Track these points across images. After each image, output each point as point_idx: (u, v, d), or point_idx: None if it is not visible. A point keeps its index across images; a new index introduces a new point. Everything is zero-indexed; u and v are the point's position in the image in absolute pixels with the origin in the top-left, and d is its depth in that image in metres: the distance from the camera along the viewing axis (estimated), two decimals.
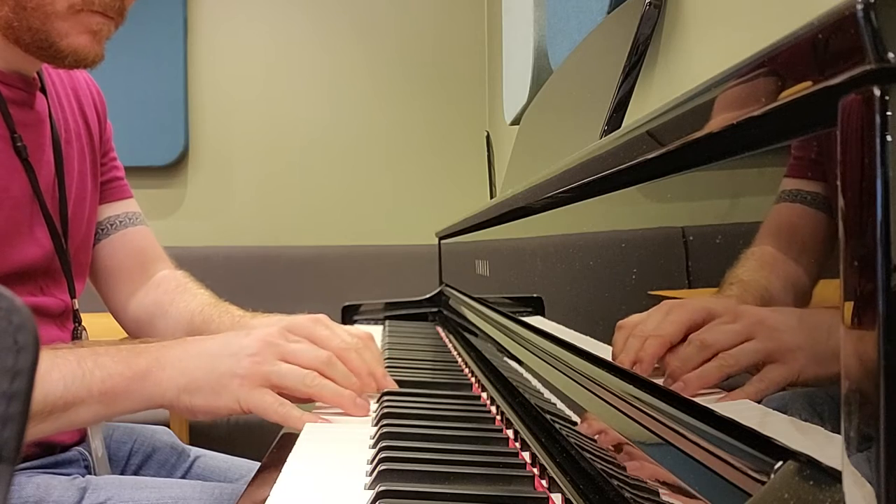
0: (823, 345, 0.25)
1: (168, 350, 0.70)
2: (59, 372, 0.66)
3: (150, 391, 0.68)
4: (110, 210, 1.00)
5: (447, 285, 1.57)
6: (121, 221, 1.00)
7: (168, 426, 1.08)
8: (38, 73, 0.86)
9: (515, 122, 1.86)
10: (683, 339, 0.36)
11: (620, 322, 0.45)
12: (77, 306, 0.90)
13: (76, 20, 0.76)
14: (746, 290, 0.31)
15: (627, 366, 0.44)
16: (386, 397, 0.73)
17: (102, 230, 0.99)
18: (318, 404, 0.72)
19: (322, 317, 0.77)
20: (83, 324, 0.91)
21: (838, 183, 0.23)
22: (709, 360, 0.34)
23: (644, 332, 0.42)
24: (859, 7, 0.21)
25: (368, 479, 0.51)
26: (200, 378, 0.67)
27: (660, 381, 0.39)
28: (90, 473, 0.87)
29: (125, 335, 1.07)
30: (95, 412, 0.68)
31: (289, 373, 0.67)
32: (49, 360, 0.66)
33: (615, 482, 0.43)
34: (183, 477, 0.96)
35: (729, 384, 0.32)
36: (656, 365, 0.40)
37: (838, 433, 0.23)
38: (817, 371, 0.26)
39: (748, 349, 0.31)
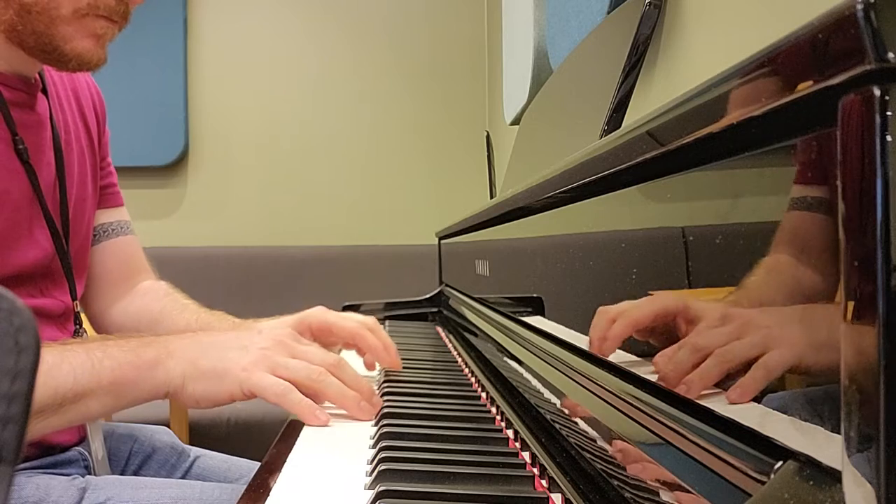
0: (823, 344, 0.25)
1: (178, 339, 0.72)
2: (69, 364, 0.66)
3: (158, 379, 0.69)
4: (103, 217, 1.00)
5: (447, 285, 1.57)
6: (112, 229, 1.01)
7: (168, 426, 1.08)
8: (39, 74, 0.86)
9: (515, 122, 1.86)
10: (657, 328, 0.37)
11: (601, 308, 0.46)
12: (78, 308, 0.90)
13: (80, 24, 0.76)
14: (744, 289, 0.31)
15: (594, 348, 0.44)
16: (386, 397, 0.74)
17: (94, 236, 0.99)
18: None
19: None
20: (84, 325, 0.91)
21: (838, 183, 0.23)
22: (706, 358, 0.34)
23: (615, 313, 0.43)
24: (859, 7, 0.21)
25: (368, 479, 0.51)
26: (206, 365, 0.69)
27: (660, 381, 0.39)
28: (90, 473, 0.87)
29: None
30: (104, 403, 0.68)
31: (297, 366, 0.69)
32: (58, 354, 0.67)
33: (615, 482, 0.43)
34: (183, 477, 0.96)
35: (729, 386, 0.32)
36: (655, 365, 0.40)
37: (838, 433, 0.23)
38: (817, 370, 0.26)
39: (745, 344, 0.31)
